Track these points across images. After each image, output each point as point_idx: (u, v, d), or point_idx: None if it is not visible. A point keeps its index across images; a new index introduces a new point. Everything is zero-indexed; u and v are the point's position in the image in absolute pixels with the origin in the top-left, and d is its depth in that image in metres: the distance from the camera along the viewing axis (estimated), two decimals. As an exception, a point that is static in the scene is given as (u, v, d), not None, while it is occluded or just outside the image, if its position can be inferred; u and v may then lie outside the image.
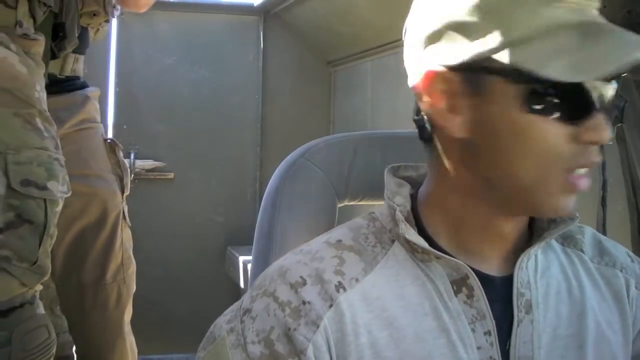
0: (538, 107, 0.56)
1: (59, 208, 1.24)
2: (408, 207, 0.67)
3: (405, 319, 0.61)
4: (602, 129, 0.57)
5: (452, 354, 0.61)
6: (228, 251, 2.91)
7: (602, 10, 1.03)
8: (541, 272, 0.67)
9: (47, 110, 1.26)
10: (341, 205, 0.81)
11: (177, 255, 2.92)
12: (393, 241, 0.66)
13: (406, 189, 0.69)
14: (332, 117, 3.09)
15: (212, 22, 2.98)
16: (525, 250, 0.65)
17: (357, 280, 0.62)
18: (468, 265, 0.62)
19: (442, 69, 0.60)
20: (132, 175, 2.80)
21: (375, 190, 0.82)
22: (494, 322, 0.62)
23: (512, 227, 0.65)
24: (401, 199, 0.68)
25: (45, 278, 1.23)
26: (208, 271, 2.96)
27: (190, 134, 2.94)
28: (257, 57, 3.02)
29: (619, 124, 1.11)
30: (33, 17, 1.28)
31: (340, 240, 0.66)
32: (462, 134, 0.60)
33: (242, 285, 2.70)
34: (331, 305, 0.60)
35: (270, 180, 0.81)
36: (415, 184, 0.71)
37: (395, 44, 2.39)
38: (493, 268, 0.65)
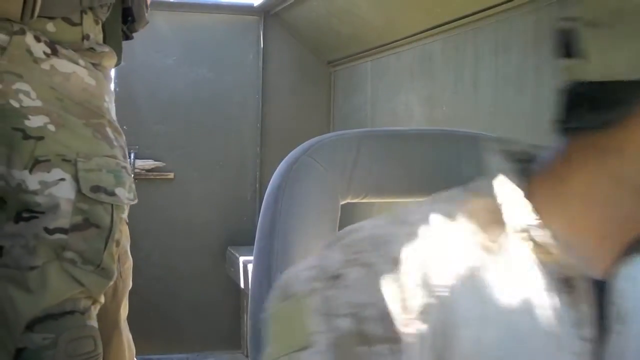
0: None
1: (125, 214, 1.30)
2: (524, 191, 0.59)
3: (509, 316, 0.56)
4: None
5: (550, 357, 0.56)
6: (228, 251, 2.91)
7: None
8: None
9: (116, 120, 1.32)
10: (344, 202, 0.81)
11: (177, 255, 2.92)
12: (501, 224, 0.59)
13: (517, 167, 0.61)
14: (332, 117, 3.09)
15: (212, 22, 2.98)
16: (630, 255, 0.58)
17: (467, 268, 0.56)
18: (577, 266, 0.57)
19: None
20: (132, 175, 2.80)
21: (379, 187, 0.82)
22: (595, 328, 0.57)
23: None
24: (517, 180, 0.60)
25: (111, 283, 1.26)
26: (208, 271, 2.96)
27: (190, 134, 2.94)
28: (257, 57, 3.03)
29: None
30: (99, 19, 1.32)
31: (448, 217, 0.59)
32: None
33: (242, 285, 2.69)
34: (440, 294, 0.54)
35: (272, 178, 0.80)
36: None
37: (395, 44, 2.39)
38: (599, 271, 0.59)
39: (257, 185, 3.03)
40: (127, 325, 1.70)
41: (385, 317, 0.52)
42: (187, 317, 2.92)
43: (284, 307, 0.56)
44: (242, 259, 2.67)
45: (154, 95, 2.89)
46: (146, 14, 1.51)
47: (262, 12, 3.00)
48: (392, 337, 0.52)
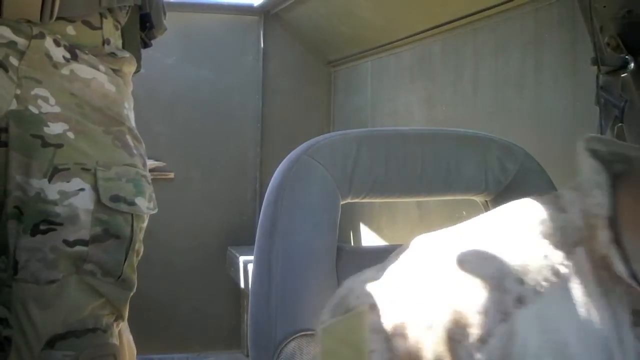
0: None
1: (145, 224, 1.28)
2: (612, 210, 0.52)
3: (573, 348, 0.50)
4: None
5: None
6: (228, 251, 2.92)
7: (602, 10, 1.03)
8: None
9: (135, 128, 1.31)
10: (344, 202, 0.81)
11: (177, 255, 2.92)
12: (577, 244, 0.53)
13: (605, 178, 0.53)
14: (332, 117, 3.09)
15: (212, 22, 2.98)
16: None
17: (536, 293, 0.50)
18: None
19: None
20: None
21: (379, 187, 0.82)
22: None
23: None
24: (601, 196, 0.52)
25: (132, 293, 1.25)
26: (208, 271, 2.96)
27: (190, 134, 2.94)
28: (257, 57, 3.03)
29: (619, 124, 1.11)
30: (118, 22, 1.31)
31: (523, 232, 0.54)
32: None
33: (242, 285, 2.70)
34: (503, 320, 0.49)
35: (273, 178, 0.81)
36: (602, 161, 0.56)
37: (395, 44, 2.39)
38: None
39: (257, 185, 3.03)
40: (128, 327, 1.70)
41: (448, 343, 0.49)
42: (187, 317, 2.92)
43: (343, 322, 0.53)
44: (242, 259, 2.67)
45: (154, 95, 2.89)
46: (164, 21, 1.50)
47: (262, 12, 3.00)
48: None
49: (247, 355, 2.82)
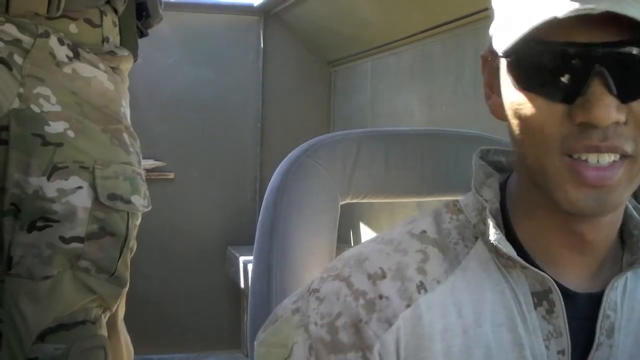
0: (526, 84, 0.53)
1: (139, 221, 1.30)
2: (497, 203, 0.61)
3: (480, 328, 0.57)
4: (590, 107, 0.50)
5: None
6: (228, 251, 2.92)
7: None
8: (628, 293, 0.60)
9: (131, 125, 1.32)
10: (343, 203, 0.81)
11: (177, 255, 2.92)
12: (476, 238, 0.61)
13: (495, 180, 0.63)
14: (332, 117, 3.09)
15: (212, 22, 2.98)
16: (617, 266, 0.60)
17: (438, 282, 0.58)
18: (552, 278, 0.57)
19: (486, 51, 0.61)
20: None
21: (378, 188, 0.82)
22: (569, 342, 0.57)
23: (589, 230, 0.57)
24: (490, 192, 0.62)
25: (124, 290, 1.26)
26: (208, 271, 2.96)
27: (191, 134, 2.94)
28: (257, 57, 3.02)
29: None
30: (115, 11, 1.31)
31: (424, 232, 0.62)
32: (499, 116, 0.59)
33: (242, 285, 2.70)
34: (409, 305, 0.56)
35: (272, 178, 0.81)
36: (504, 171, 0.65)
37: (395, 44, 2.39)
38: (577, 283, 0.59)
39: (257, 185, 3.02)
40: (125, 326, 1.70)
41: (357, 326, 0.55)
42: (187, 317, 2.92)
43: (271, 330, 0.59)
44: (242, 259, 2.67)
45: (154, 95, 2.89)
46: (160, 10, 1.50)
47: (262, 12, 3.00)
48: (364, 346, 0.55)
49: (247, 355, 2.81)
